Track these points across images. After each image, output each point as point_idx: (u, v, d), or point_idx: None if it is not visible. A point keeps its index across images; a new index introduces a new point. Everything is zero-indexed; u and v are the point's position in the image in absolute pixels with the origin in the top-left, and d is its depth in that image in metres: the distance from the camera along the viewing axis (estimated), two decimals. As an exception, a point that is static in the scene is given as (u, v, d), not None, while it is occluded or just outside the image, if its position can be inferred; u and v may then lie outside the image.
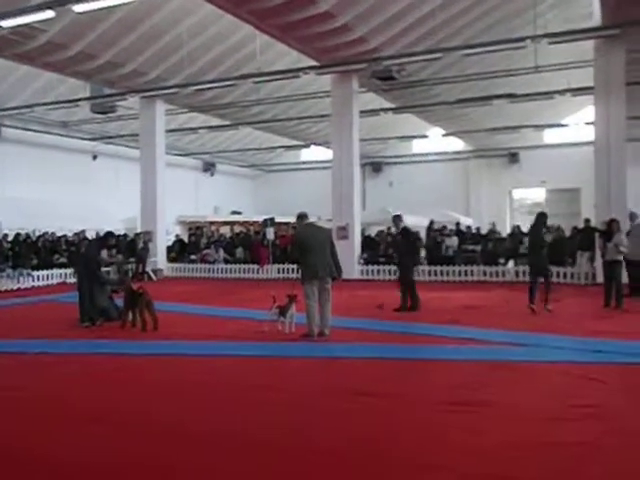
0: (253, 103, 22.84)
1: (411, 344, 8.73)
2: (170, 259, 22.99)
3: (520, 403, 5.74)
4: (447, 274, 18.71)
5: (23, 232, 20.45)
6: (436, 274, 18.82)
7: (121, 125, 26.71)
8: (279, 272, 20.16)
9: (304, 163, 36.92)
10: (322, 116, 23.50)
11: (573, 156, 28.27)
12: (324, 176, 23.02)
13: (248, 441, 4.81)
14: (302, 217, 9.62)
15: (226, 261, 22.46)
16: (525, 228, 21.49)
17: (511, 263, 19.16)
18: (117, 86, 20.47)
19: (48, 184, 24.60)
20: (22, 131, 24.06)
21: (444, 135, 30.66)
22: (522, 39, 15.72)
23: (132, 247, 20.53)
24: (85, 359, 8.12)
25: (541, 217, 11.85)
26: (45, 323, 11.12)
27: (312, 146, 32.07)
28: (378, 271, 19.38)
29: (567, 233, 19.15)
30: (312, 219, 9.90)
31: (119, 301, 10.86)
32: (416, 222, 23.84)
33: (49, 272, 18.65)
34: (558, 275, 16.97)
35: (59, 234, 21.48)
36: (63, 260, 19.94)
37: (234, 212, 34.72)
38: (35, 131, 24.48)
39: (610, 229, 12.19)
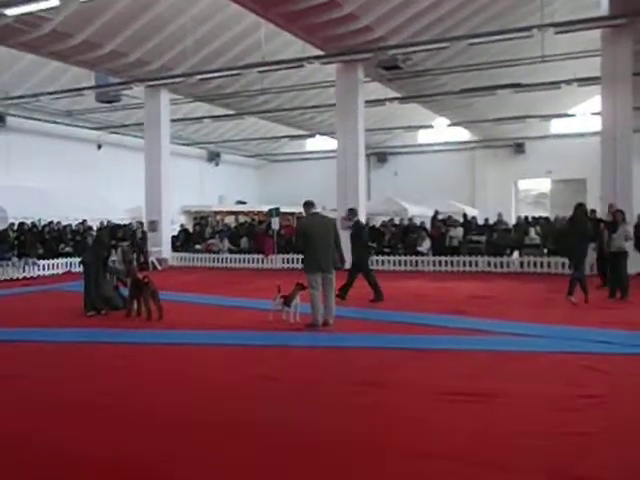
0: (258, 92, 22.76)
1: (416, 334, 8.73)
2: (175, 249, 23.02)
3: (525, 393, 5.75)
4: (452, 264, 18.69)
5: (28, 221, 20.49)
6: (441, 264, 18.80)
7: (126, 114, 26.70)
8: (284, 262, 20.17)
9: (309, 153, 36.86)
10: (327, 106, 23.40)
11: (579, 147, 28.15)
12: (329, 166, 22.97)
13: (251, 430, 4.83)
14: (308, 205, 9.58)
15: (231, 251, 22.48)
16: (531, 219, 21.58)
17: (516, 254, 19.13)
18: (122, 75, 20.42)
19: (53, 173, 24.62)
20: (27, 120, 24.06)
21: (449, 125, 30.55)
22: (528, 28, 15.60)
23: (133, 237, 20.56)
24: (89, 348, 8.17)
25: (581, 207, 11.63)
26: (50, 312, 11.18)
27: (317, 136, 31.99)
28: (383, 261, 19.36)
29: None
30: (317, 209, 9.86)
31: (124, 290, 10.91)
32: (421, 212, 23.90)
33: (55, 261, 18.72)
34: (564, 266, 16.93)
35: (64, 223, 21.53)
36: (69, 249, 20.00)
37: (239, 202, 34.72)
38: (40, 120, 24.48)
39: (615, 220, 12.13)
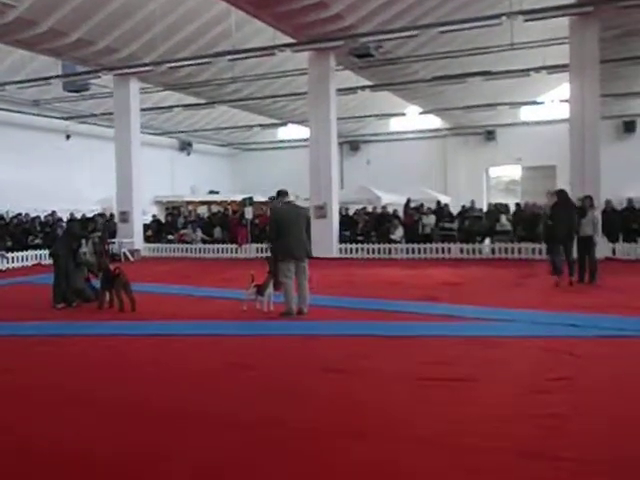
0: (229, 81, 22.57)
1: (388, 321, 8.80)
2: (147, 239, 22.82)
3: (495, 377, 5.85)
4: (424, 252, 18.84)
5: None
6: (413, 252, 18.93)
7: (95, 104, 26.26)
8: (257, 251, 20.14)
9: (281, 142, 36.71)
10: (299, 94, 23.32)
11: (549, 134, 28.46)
12: (302, 155, 22.95)
13: (225, 420, 4.83)
14: (282, 194, 9.62)
15: (204, 241, 22.36)
16: (501, 205, 21.82)
17: (487, 241, 19.35)
18: (90, 64, 20.05)
19: (21, 164, 24.16)
20: (-8, 110, 23.58)
21: (421, 113, 30.65)
22: (498, 16, 15.72)
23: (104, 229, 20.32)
24: (61, 341, 8.07)
25: (563, 192, 12.33)
26: (19, 305, 11.01)
27: (289, 124, 31.87)
28: (357, 250, 19.44)
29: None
30: (290, 198, 9.86)
31: (95, 282, 10.79)
32: (393, 200, 24.01)
33: (23, 254, 18.42)
34: (533, 251, 17.20)
35: (33, 215, 21.18)
36: (38, 241, 19.70)
37: (211, 192, 34.49)
38: (6, 110, 23.95)
39: (584, 206, 12.33)
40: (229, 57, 18.50)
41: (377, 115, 31.02)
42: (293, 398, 5.35)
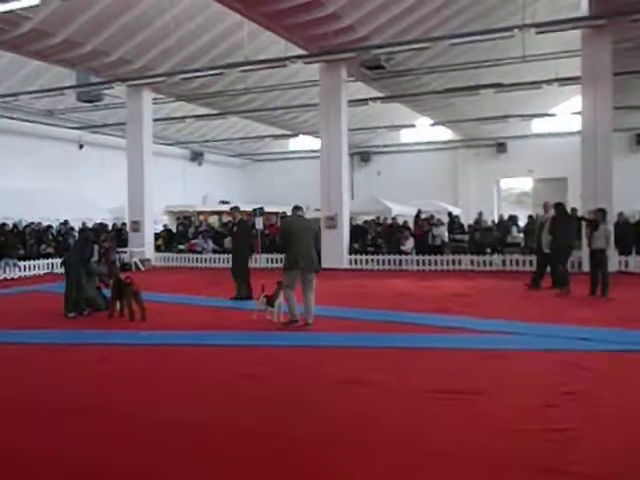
0: (241, 92, 22.70)
1: (399, 333, 8.76)
2: (157, 249, 22.90)
3: (507, 390, 5.80)
4: (435, 263, 18.78)
5: (9, 222, 20.27)
6: (424, 263, 18.88)
7: (108, 114, 26.48)
8: (268, 262, 20.14)
9: (292, 152, 36.81)
10: (310, 105, 23.41)
11: (560, 146, 28.37)
12: (312, 165, 22.97)
13: (236, 432, 4.82)
14: (296, 208, 9.72)
15: (214, 251, 22.41)
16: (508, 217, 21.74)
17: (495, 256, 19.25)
18: (103, 74, 20.25)
19: (34, 173, 24.35)
20: (7, 120, 23.75)
21: (432, 125, 30.65)
22: (510, 28, 15.71)
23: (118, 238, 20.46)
24: (71, 349, 8.10)
25: (561, 205, 12.87)
26: (31, 313, 11.07)
27: (300, 135, 31.97)
28: (367, 261, 19.41)
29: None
30: (303, 213, 9.92)
31: (107, 291, 10.83)
32: (404, 211, 23.97)
33: (36, 262, 18.54)
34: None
35: (45, 224, 21.33)
36: (50, 250, 19.82)
37: (222, 201, 34.59)
38: (20, 120, 24.18)
39: (596, 219, 12.28)
40: (241, 68, 18.60)
41: (388, 126, 31.03)
42: (302, 410, 5.33)
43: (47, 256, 19.29)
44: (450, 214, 22.85)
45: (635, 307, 10.85)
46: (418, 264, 18.92)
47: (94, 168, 27.10)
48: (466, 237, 20.32)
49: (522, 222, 20.92)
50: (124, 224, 22.92)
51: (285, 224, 9.90)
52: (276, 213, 26.66)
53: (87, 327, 9.56)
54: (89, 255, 10.83)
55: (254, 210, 21.09)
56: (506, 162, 32.30)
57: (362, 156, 35.84)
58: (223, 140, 33.71)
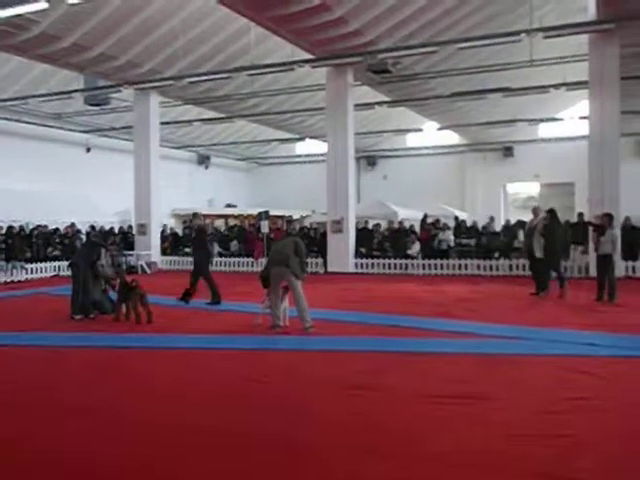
0: (248, 96, 22.76)
1: (404, 337, 8.75)
2: (164, 252, 22.95)
3: (512, 396, 5.77)
4: (441, 267, 18.75)
5: (17, 225, 20.37)
6: (430, 267, 18.85)
7: (115, 117, 26.60)
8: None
9: (299, 156, 36.85)
10: (317, 109, 23.45)
11: (567, 150, 28.29)
12: (319, 169, 23.02)
13: (241, 436, 4.82)
14: (288, 223, 9.88)
15: (220, 254, 22.44)
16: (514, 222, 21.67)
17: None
18: (111, 78, 20.35)
19: (41, 176, 24.47)
20: (15, 123, 23.90)
21: (439, 129, 30.62)
22: (517, 33, 15.69)
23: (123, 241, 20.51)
24: (76, 352, 8.12)
25: (554, 212, 13.11)
26: (38, 316, 11.11)
27: (307, 139, 32.02)
28: (373, 265, 19.40)
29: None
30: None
31: (113, 294, 10.85)
32: (410, 215, 23.94)
33: (43, 265, 18.61)
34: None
35: (52, 227, 21.42)
36: (57, 253, 19.89)
37: (229, 205, 34.66)
38: (28, 123, 24.32)
39: (603, 224, 12.23)
40: (248, 72, 18.65)
41: (394, 130, 31.08)
42: (305, 414, 5.32)
43: (54, 259, 19.36)
44: (456, 218, 22.82)
45: (642, 313, 10.79)
46: (424, 268, 18.90)
47: (101, 171, 27.20)
48: (472, 241, 20.28)
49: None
50: (130, 227, 23.00)
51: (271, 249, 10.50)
52: (282, 217, 26.67)
53: (93, 330, 9.58)
54: (96, 258, 10.87)
55: (259, 213, 21.13)
56: (513, 166, 32.23)
57: (368, 160, 35.86)
58: (230, 144, 33.79)
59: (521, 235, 19.67)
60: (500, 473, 4.02)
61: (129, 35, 17.54)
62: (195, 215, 13.01)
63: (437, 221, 21.71)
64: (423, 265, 18.99)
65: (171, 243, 24.03)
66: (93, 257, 10.80)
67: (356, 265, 19.48)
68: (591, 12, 16.27)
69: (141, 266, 20.29)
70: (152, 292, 11.04)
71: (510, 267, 18.09)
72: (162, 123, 23.64)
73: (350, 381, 6.30)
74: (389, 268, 19.23)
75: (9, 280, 17.25)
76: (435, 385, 6.13)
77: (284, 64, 18.14)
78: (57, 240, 20.71)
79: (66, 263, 17.39)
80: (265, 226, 20.78)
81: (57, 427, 5.06)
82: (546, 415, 5.19)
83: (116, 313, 10.34)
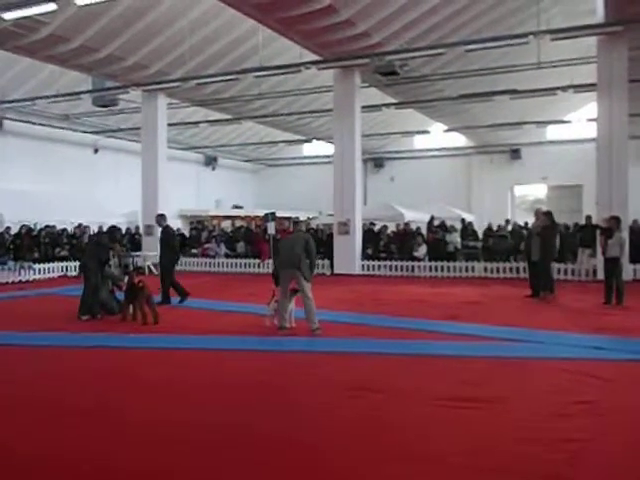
0: (255, 97, 22.79)
1: (411, 339, 8.74)
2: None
3: (519, 399, 5.75)
4: (448, 270, 18.72)
5: (24, 225, 20.46)
6: (437, 269, 18.82)
7: (123, 118, 26.68)
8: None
9: (306, 158, 36.89)
10: (324, 111, 23.46)
11: (575, 153, 28.23)
12: (326, 171, 23.00)
13: (247, 437, 4.82)
14: (295, 224, 9.92)
15: (227, 255, 22.47)
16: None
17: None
18: (119, 79, 20.42)
19: (50, 177, 24.61)
20: (24, 124, 24.05)
21: (446, 131, 30.60)
22: (525, 35, 15.65)
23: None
24: (83, 352, 8.15)
25: (552, 214, 13.25)
26: (46, 316, 11.13)
27: (314, 141, 32.04)
28: (379, 266, 19.38)
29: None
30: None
31: (120, 295, 10.88)
32: (417, 217, 23.92)
33: (50, 265, 18.68)
34: (559, 272, 16.95)
35: (60, 227, 21.51)
36: (64, 253, 19.97)
37: (235, 206, 34.71)
38: (37, 124, 24.46)
39: (610, 227, 12.19)
40: (256, 74, 18.67)
41: (401, 132, 31.07)
42: (312, 415, 5.33)
43: (61, 259, 19.43)
44: (463, 220, 22.78)
45: (650, 316, 10.74)
46: (431, 270, 18.86)
47: (109, 172, 27.32)
48: (479, 244, 20.23)
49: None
50: (137, 227, 23.07)
51: (278, 244, 10.39)
52: (289, 218, 26.71)
53: (99, 330, 9.60)
54: (106, 259, 10.91)
55: (266, 215, 21.12)
56: (520, 169, 32.17)
57: (375, 162, 35.85)
58: (237, 145, 33.86)
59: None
60: (509, 476, 4.00)
61: (137, 37, 17.60)
62: (161, 216, 13.06)
63: (442, 223, 21.67)
64: (430, 267, 18.96)
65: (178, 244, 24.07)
66: (102, 258, 10.82)
67: (362, 267, 19.47)
68: (599, 14, 16.22)
69: (148, 267, 20.32)
70: (158, 293, 11.06)
71: (517, 270, 18.03)
72: (169, 124, 23.71)
73: (357, 383, 6.29)
74: (396, 270, 19.20)
75: (17, 280, 17.32)
76: (443, 388, 6.12)
77: (291, 66, 18.16)
78: (65, 241, 20.78)
79: (74, 264, 17.52)
80: (272, 227, 20.78)
81: (62, 427, 5.06)
82: (555, 418, 5.17)
83: (122, 314, 10.36)
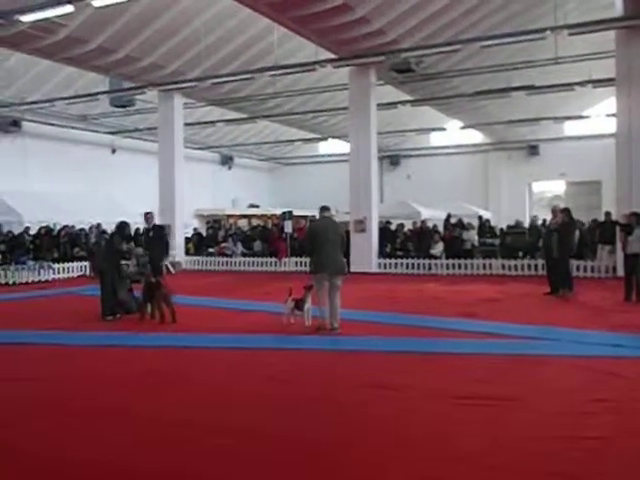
0: (270, 96, 22.84)
1: (428, 337, 8.71)
2: (188, 252, 23.13)
3: (538, 397, 5.71)
4: (465, 267, 18.62)
5: (44, 225, 20.67)
6: (454, 267, 18.72)
7: (140, 119, 26.87)
8: (297, 265, 20.19)
9: (322, 156, 36.88)
10: (340, 109, 23.44)
11: (594, 148, 27.94)
12: (342, 169, 22.98)
13: (263, 436, 4.83)
14: (323, 209, 9.70)
15: (244, 254, 22.55)
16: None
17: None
18: (136, 80, 20.56)
19: (68, 177, 24.82)
20: (42, 125, 24.29)
21: (462, 128, 30.44)
22: (542, 30, 15.52)
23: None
24: (102, 351, 8.21)
25: (570, 211, 13.17)
26: (65, 315, 11.24)
27: (330, 139, 32.02)
28: (396, 264, 19.33)
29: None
30: (331, 213, 9.94)
31: (137, 293, 10.96)
32: (434, 215, 23.83)
33: (69, 265, 18.87)
34: (578, 269, 16.78)
35: (78, 227, 21.70)
36: (83, 253, 20.16)
37: (252, 205, 34.81)
38: (55, 125, 24.69)
39: (631, 222, 12.05)
40: (271, 73, 18.71)
41: (417, 130, 30.96)
42: (329, 414, 5.33)
43: (80, 259, 19.61)
44: (480, 218, 22.64)
45: (671, 313, 10.60)
46: (448, 268, 18.78)
47: (126, 172, 27.50)
48: (497, 241, 20.10)
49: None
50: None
51: (312, 227, 9.96)
52: (305, 217, 26.69)
53: (118, 329, 9.68)
54: (119, 260, 10.98)
55: (283, 213, 21.18)
56: (538, 165, 31.89)
57: (391, 160, 35.75)
58: (253, 144, 33.95)
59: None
60: (528, 474, 3.97)
61: (153, 37, 17.70)
62: (150, 214, 13.09)
63: (458, 221, 21.55)
64: (447, 265, 18.87)
65: (195, 243, 24.22)
66: (117, 260, 10.90)
67: (379, 265, 19.43)
68: (618, 8, 16.01)
69: (165, 266, 20.42)
70: (176, 292, 11.12)
71: (535, 267, 17.89)
72: (186, 124, 23.83)
73: (375, 381, 6.28)
74: (413, 268, 19.14)
75: (37, 280, 17.51)
76: (459, 386, 6.09)
77: (307, 64, 18.17)
78: (83, 241, 20.97)
79: (92, 263, 17.62)
80: (289, 226, 20.83)
81: (80, 426, 5.11)
82: (573, 417, 5.12)
83: (141, 313, 10.43)
